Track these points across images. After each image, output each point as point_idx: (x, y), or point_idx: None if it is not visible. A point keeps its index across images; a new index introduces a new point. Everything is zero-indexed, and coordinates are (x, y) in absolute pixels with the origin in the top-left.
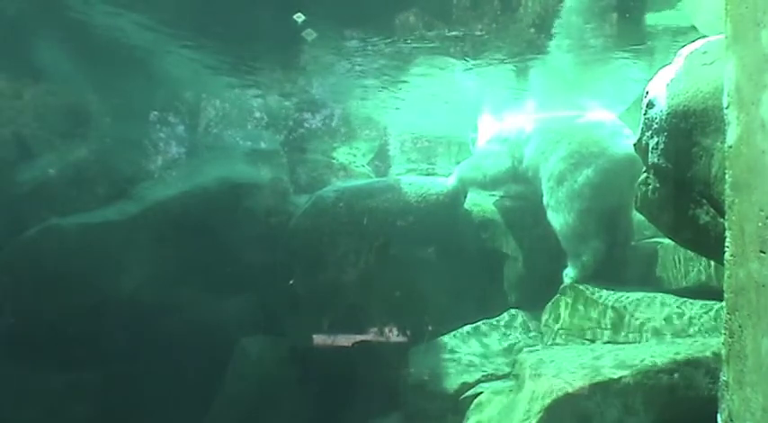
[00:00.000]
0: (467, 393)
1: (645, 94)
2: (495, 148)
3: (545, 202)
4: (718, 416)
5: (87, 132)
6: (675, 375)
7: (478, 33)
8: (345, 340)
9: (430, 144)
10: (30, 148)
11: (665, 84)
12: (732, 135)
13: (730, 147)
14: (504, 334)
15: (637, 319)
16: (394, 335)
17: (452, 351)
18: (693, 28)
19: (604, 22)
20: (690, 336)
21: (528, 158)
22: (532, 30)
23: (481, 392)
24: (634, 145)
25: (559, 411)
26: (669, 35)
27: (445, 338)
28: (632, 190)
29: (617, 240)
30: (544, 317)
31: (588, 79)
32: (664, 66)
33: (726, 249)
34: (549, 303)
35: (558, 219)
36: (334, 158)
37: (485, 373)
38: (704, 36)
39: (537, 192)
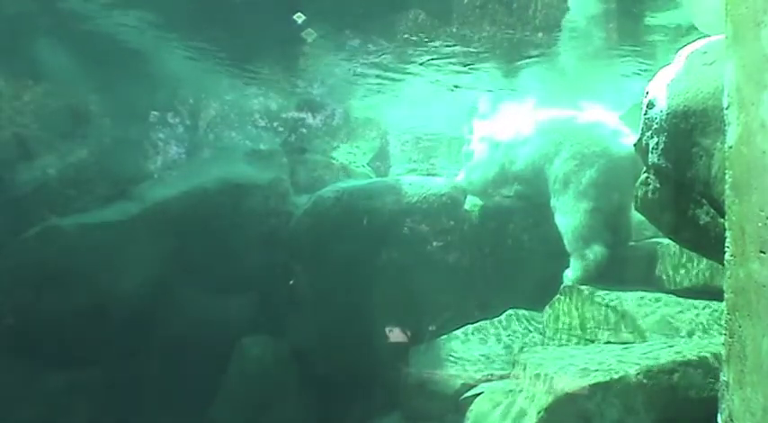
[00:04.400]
0: (467, 393)
1: (645, 94)
2: (493, 150)
3: (552, 204)
4: (719, 416)
5: (87, 133)
6: (676, 375)
7: (480, 34)
8: (345, 340)
9: (430, 144)
10: (30, 149)
11: (666, 84)
12: (732, 135)
13: (730, 147)
14: (505, 334)
15: (637, 319)
16: (394, 335)
17: (452, 351)
18: (694, 27)
19: (608, 23)
20: (690, 336)
21: (526, 159)
22: (536, 32)
23: (481, 392)
24: (634, 145)
25: (559, 411)
26: (670, 35)
27: (445, 338)
28: (632, 189)
29: (618, 240)
30: (544, 317)
31: (589, 80)
32: (664, 66)
33: (726, 250)
34: (550, 303)
35: (564, 221)
36: (334, 158)
37: (485, 373)
38: (705, 36)
39: (540, 192)
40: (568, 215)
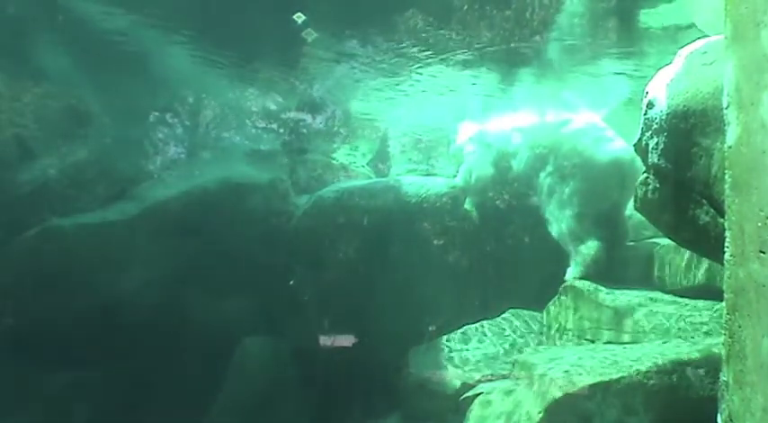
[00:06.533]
0: (467, 393)
1: (645, 94)
2: (487, 152)
3: (543, 214)
4: (718, 416)
5: (88, 133)
6: (675, 375)
7: (478, 36)
8: (346, 340)
9: (430, 144)
10: (30, 149)
11: (665, 84)
12: (732, 135)
13: (730, 147)
14: (505, 334)
15: (636, 319)
16: (394, 335)
17: (452, 351)
18: (684, 29)
19: (605, 22)
20: (690, 336)
21: (518, 169)
22: (533, 34)
23: (481, 392)
24: (634, 145)
25: (560, 411)
26: (661, 38)
27: (445, 338)
28: (621, 192)
29: (614, 238)
30: (544, 317)
31: (577, 80)
32: (661, 67)
33: (726, 249)
34: (550, 303)
35: (554, 228)
36: (334, 158)
37: (485, 374)
38: (704, 36)
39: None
40: (556, 223)
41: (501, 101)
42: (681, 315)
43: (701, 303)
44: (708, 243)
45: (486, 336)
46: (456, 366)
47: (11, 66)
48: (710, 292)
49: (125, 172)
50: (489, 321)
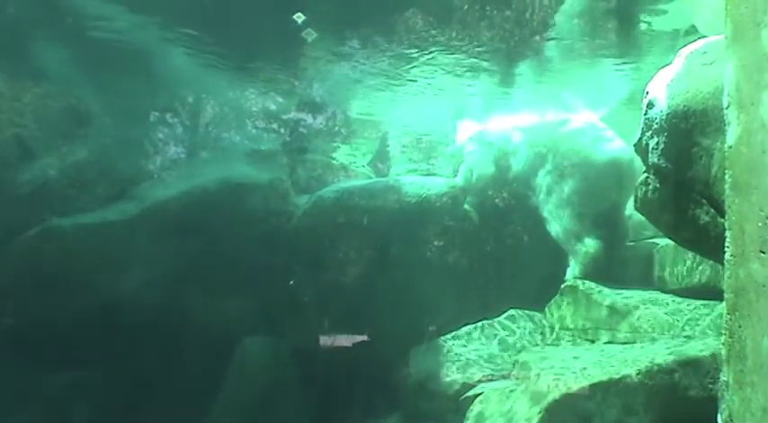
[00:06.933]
0: (467, 393)
1: (645, 94)
2: (487, 151)
3: (541, 213)
4: (718, 416)
5: (88, 133)
6: (675, 375)
7: (478, 36)
8: (346, 340)
9: (430, 144)
10: (30, 149)
11: (666, 84)
12: (732, 135)
13: (730, 147)
14: (505, 334)
15: (637, 319)
16: (394, 335)
17: (452, 351)
18: (684, 32)
19: (605, 22)
20: (690, 336)
21: (517, 167)
22: (532, 34)
23: (481, 392)
24: (634, 145)
25: (560, 411)
26: (661, 38)
27: (445, 338)
28: (620, 191)
29: (613, 238)
30: (544, 317)
31: (576, 80)
32: (661, 67)
33: (726, 249)
34: (550, 303)
35: (553, 227)
36: (334, 158)
37: (485, 373)
38: (704, 36)
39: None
40: (555, 222)
41: (501, 100)
42: (680, 315)
43: (700, 303)
44: (708, 243)
45: (486, 336)
46: (456, 366)
47: (11, 66)
48: (710, 292)
49: (125, 172)
50: (489, 321)
